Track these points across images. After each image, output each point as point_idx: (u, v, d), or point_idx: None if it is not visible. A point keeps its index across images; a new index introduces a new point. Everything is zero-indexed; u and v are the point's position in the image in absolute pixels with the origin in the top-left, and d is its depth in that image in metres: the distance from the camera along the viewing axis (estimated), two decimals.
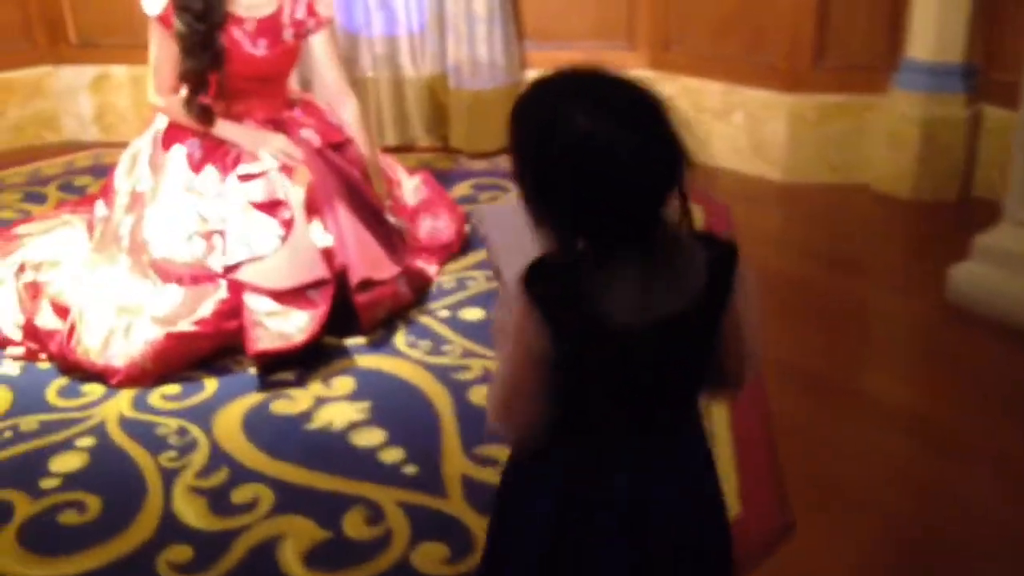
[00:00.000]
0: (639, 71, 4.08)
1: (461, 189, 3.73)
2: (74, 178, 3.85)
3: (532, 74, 4.05)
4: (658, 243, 1.18)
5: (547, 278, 1.18)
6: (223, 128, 2.80)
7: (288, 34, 2.84)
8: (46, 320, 2.65)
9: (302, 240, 2.67)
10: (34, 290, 2.76)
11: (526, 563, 1.32)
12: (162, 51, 2.76)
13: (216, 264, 2.65)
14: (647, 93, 1.16)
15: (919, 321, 2.87)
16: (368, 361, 2.64)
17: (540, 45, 4.06)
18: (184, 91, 2.78)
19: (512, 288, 1.20)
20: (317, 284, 2.63)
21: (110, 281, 2.70)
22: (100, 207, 2.98)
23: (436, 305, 2.91)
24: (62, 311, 2.64)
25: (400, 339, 2.74)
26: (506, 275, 1.30)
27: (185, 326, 2.55)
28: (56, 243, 3.02)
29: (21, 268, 2.86)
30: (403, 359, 2.64)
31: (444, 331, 2.77)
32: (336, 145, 2.91)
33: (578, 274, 1.17)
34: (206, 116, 2.78)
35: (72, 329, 2.57)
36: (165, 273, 2.67)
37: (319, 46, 2.92)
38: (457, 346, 2.69)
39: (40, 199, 3.66)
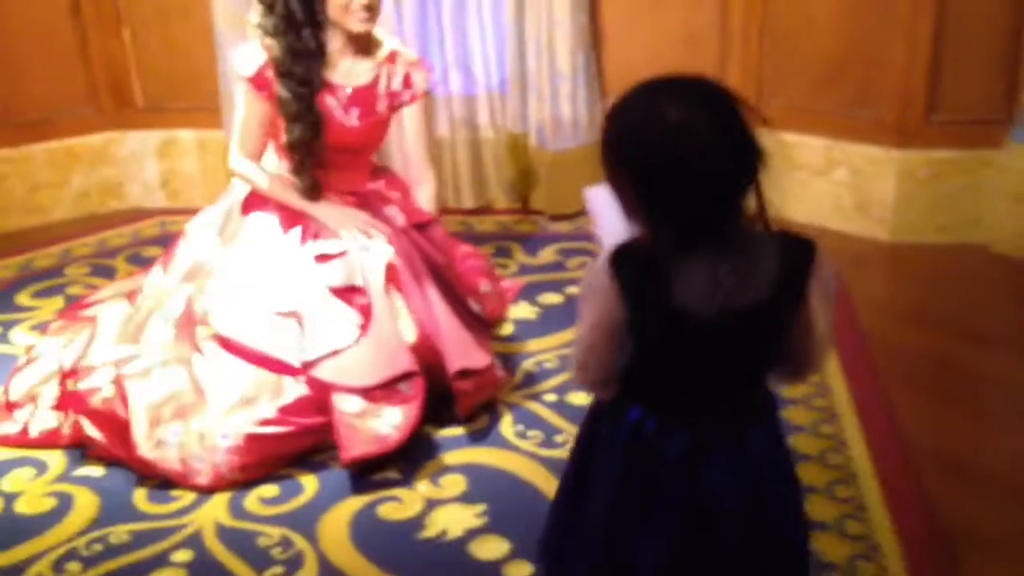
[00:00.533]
0: None
1: (547, 255, 3.54)
2: (142, 248, 3.69)
3: None
4: (735, 236, 1.31)
5: (631, 261, 1.33)
6: (305, 203, 2.63)
7: (382, 106, 2.67)
8: (96, 428, 2.42)
9: (384, 329, 2.46)
10: (77, 401, 2.49)
11: (595, 513, 1.47)
12: (251, 114, 2.60)
13: (293, 357, 2.44)
14: (725, 89, 1.30)
15: None
16: (476, 455, 2.42)
17: None
18: (288, 162, 2.62)
19: (602, 262, 1.35)
20: (406, 376, 2.42)
21: (161, 370, 2.47)
22: (155, 273, 2.80)
23: (541, 387, 2.69)
24: (107, 420, 2.41)
25: (507, 428, 2.52)
26: (605, 248, 1.41)
27: (269, 425, 2.35)
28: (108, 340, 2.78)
29: (69, 374, 2.58)
30: (514, 452, 2.43)
31: (554, 418, 2.55)
32: (421, 225, 2.71)
33: (658, 261, 1.31)
34: (314, 189, 2.61)
35: (130, 429, 2.36)
36: (231, 348, 2.48)
37: (410, 119, 2.73)
38: (570, 436, 2.47)
39: (108, 273, 3.50)
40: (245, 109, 2.62)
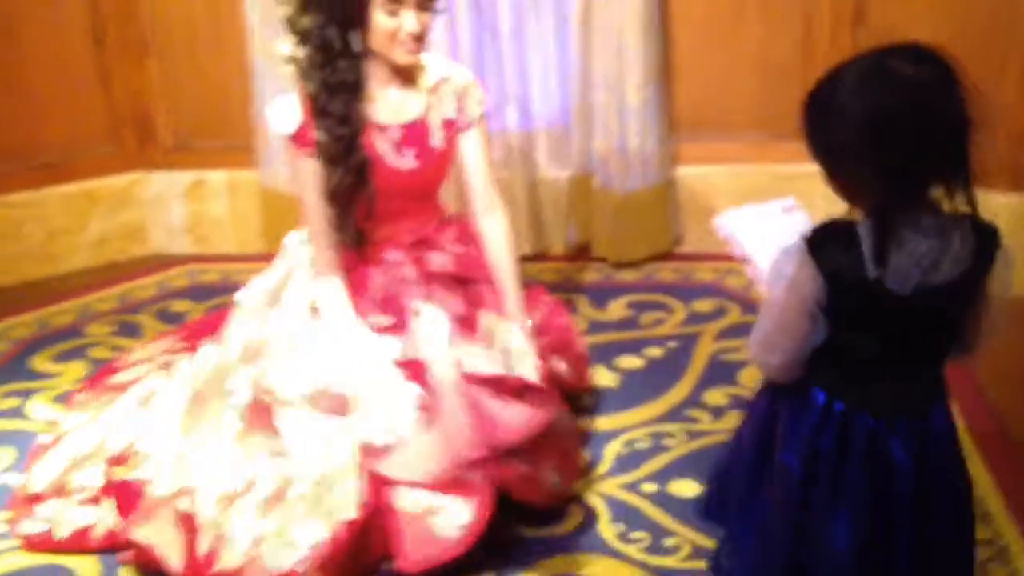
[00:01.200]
0: (806, 165, 3.58)
1: (617, 309, 3.20)
2: (170, 303, 3.34)
3: (686, 171, 3.55)
4: (929, 216, 1.39)
5: (830, 239, 1.41)
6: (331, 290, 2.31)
7: (438, 139, 2.34)
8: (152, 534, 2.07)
9: (450, 409, 2.10)
10: (125, 494, 2.19)
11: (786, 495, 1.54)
12: (308, 176, 2.27)
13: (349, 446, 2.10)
14: (943, 54, 1.38)
15: None
16: (577, 563, 2.08)
17: (695, 137, 3.55)
18: (331, 214, 2.29)
19: (796, 246, 1.43)
20: (475, 464, 2.05)
21: (231, 465, 2.14)
22: (208, 351, 2.46)
23: (636, 475, 2.36)
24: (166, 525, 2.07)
25: (605, 527, 2.18)
26: (760, 263, 1.58)
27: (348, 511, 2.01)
28: (141, 415, 2.46)
29: (117, 460, 2.29)
30: (621, 560, 2.08)
31: (658, 515, 2.21)
32: (465, 280, 2.40)
33: (858, 239, 1.39)
34: (360, 241, 2.28)
35: (196, 540, 2.02)
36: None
37: (469, 147, 2.39)
38: (683, 540, 2.12)
39: (134, 331, 3.16)
40: (301, 174, 2.28)
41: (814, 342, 1.47)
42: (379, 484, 2.06)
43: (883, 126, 1.35)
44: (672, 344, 2.96)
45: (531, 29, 3.39)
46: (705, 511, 1.84)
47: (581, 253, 3.60)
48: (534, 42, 3.40)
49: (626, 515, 2.22)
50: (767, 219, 1.67)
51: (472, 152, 2.40)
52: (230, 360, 2.34)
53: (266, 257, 2.60)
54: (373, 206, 2.29)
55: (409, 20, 2.14)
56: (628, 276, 3.43)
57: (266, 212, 3.56)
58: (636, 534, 2.16)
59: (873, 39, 3.23)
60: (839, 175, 1.44)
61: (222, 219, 3.69)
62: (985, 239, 1.43)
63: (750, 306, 3.13)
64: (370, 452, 2.09)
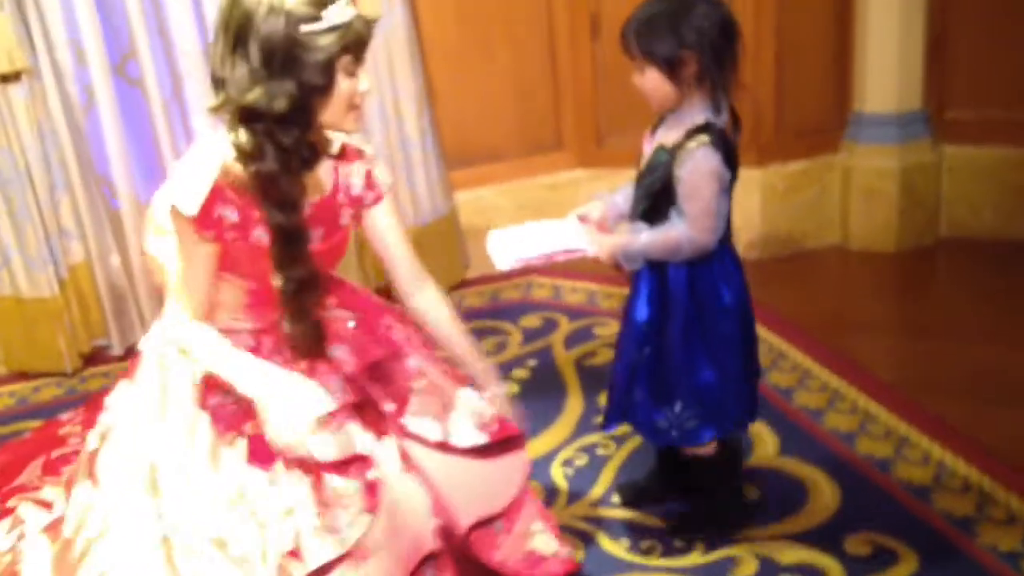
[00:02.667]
0: (570, 172, 3.80)
1: None
2: None
3: (461, 196, 3.60)
4: None
5: (719, 139, 1.97)
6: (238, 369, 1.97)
7: (346, 216, 2.08)
8: None
9: (395, 510, 1.90)
10: None
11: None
12: (199, 262, 1.95)
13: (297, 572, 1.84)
14: None
15: None
16: None
17: (464, 162, 3.62)
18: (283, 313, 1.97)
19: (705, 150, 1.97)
20: (429, 559, 1.91)
21: None
22: (81, 491, 2.07)
23: (598, 490, 2.39)
24: None
25: (611, 546, 2.20)
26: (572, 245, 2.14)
27: None
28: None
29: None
30: (650, 571, 2.12)
31: (650, 520, 2.27)
32: (376, 364, 2.11)
33: (715, 125, 1.99)
34: (318, 340, 2.01)
35: None
36: None
37: (382, 221, 2.13)
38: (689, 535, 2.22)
39: None
40: (186, 254, 1.94)
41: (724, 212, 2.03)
42: None
43: (732, 26, 1.96)
44: (532, 362, 3.02)
45: None
46: (609, 420, 2.22)
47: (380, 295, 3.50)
48: None
49: (620, 529, 2.26)
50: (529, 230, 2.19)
51: (387, 226, 2.14)
52: (118, 495, 1.99)
53: None
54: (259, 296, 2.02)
55: (364, 80, 1.92)
56: None
57: None
58: (644, 543, 2.21)
59: (610, 52, 3.54)
60: (693, 65, 1.95)
61: None
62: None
63: (575, 312, 3.28)
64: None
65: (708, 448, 2.19)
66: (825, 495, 2.29)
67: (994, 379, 2.73)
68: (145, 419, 2.03)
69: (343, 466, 1.91)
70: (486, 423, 2.04)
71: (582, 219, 2.19)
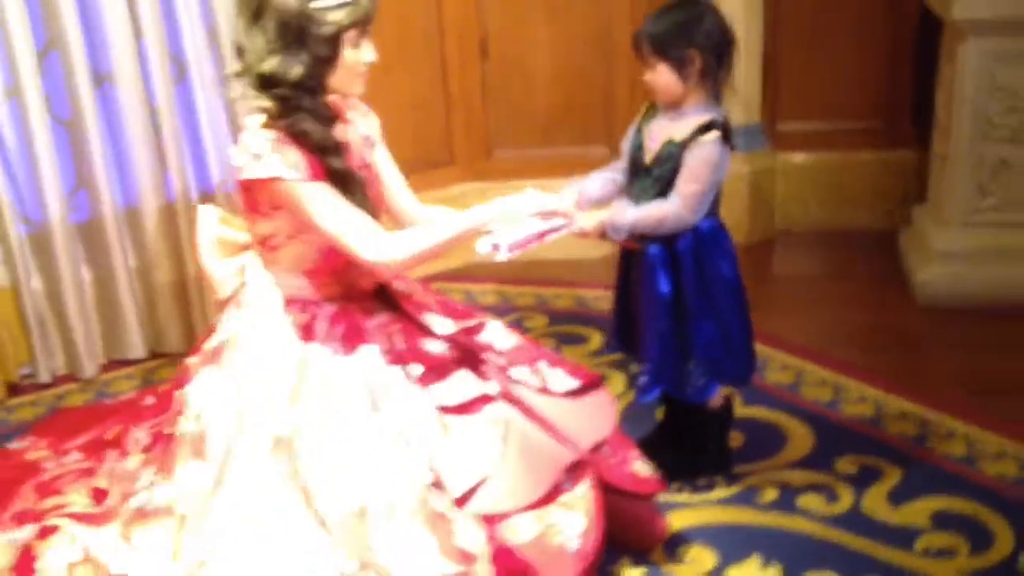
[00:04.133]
0: (461, 185, 4.01)
1: None
2: None
3: None
4: None
5: (724, 128, 2.31)
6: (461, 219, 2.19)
7: (368, 156, 2.34)
8: None
9: (525, 426, 2.17)
10: None
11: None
12: (330, 199, 2.10)
13: (440, 503, 2.06)
14: None
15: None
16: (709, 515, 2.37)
17: None
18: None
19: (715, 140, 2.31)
20: (572, 470, 2.13)
21: None
22: (187, 471, 2.14)
23: None
24: None
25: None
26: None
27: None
28: None
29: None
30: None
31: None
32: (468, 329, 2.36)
33: (721, 119, 2.32)
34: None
35: None
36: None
37: (383, 160, 2.40)
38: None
39: None
40: (333, 201, 2.09)
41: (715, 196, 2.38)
42: (490, 526, 2.05)
43: (730, 34, 2.35)
44: None
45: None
46: (651, 387, 2.44)
47: None
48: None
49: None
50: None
51: (387, 164, 2.41)
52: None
53: None
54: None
55: (368, 50, 2.14)
56: None
57: None
58: (672, 485, 2.50)
59: (498, 70, 3.86)
60: (698, 64, 2.29)
61: None
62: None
63: (495, 311, 3.52)
64: (464, 500, 2.07)
65: (715, 401, 2.53)
66: (799, 434, 2.71)
67: (852, 332, 3.31)
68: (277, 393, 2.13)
69: (467, 407, 2.13)
70: (571, 371, 2.29)
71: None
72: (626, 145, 2.49)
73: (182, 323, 3.29)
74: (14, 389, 3.09)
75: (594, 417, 2.26)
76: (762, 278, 3.86)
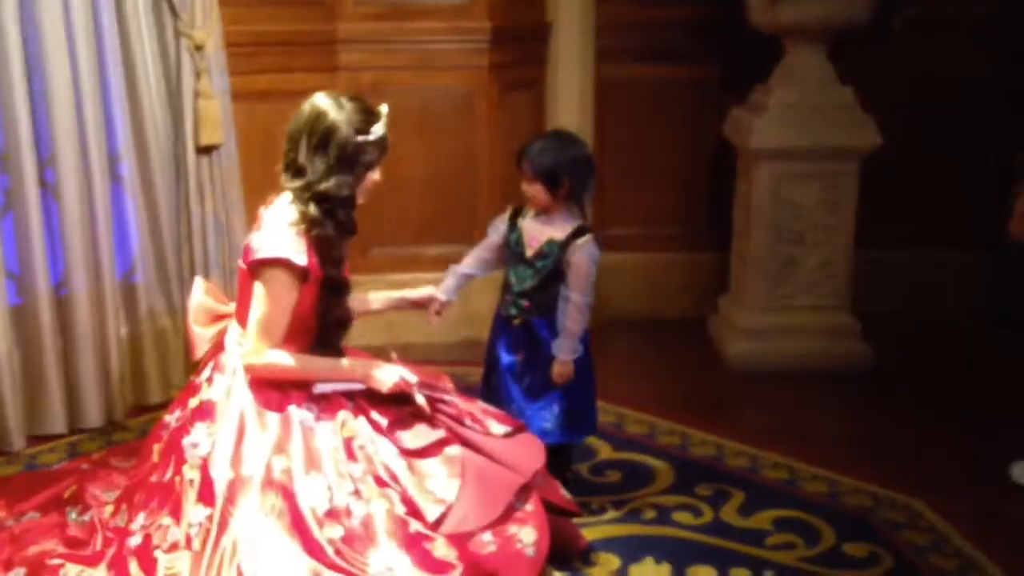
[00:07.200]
0: None
1: None
2: None
3: None
4: None
5: (591, 232, 2.99)
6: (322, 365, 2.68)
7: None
8: None
9: (478, 459, 2.66)
10: None
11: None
12: (288, 304, 2.59)
13: (419, 527, 2.52)
14: None
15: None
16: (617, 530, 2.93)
17: None
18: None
19: (592, 246, 3.01)
20: (520, 494, 2.65)
21: None
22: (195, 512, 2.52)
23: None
24: None
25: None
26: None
27: None
28: None
29: None
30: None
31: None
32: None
33: (585, 225, 3.01)
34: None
35: None
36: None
37: None
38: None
39: None
40: (281, 300, 2.58)
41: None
42: (461, 542, 2.53)
43: (592, 163, 3.03)
44: None
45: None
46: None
47: None
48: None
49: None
50: None
51: None
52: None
53: None
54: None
55: (378, 173, 2.72)
56: None
57: None
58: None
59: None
60: (566, 187, 2.95)
61: None
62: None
63: None
64: (437, 525, 2.54)
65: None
66: (662, 470, 3.36)
67: (687, 394, 4.07)
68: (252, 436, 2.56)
69: (425, 452, 2.62)
70: (500, 420, 2.84)
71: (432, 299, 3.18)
72: (495, 234, 3.13)
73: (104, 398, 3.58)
74: None
75: (529, 451, 2.80)
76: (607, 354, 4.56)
